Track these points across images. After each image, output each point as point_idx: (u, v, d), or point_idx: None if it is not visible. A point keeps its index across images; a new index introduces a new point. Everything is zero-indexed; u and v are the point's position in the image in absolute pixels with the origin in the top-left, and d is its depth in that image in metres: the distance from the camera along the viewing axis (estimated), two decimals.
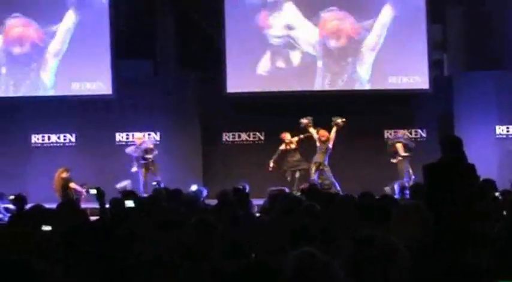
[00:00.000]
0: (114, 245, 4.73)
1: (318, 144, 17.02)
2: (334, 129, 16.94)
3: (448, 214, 6.50)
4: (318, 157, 16.99)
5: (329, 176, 16.77)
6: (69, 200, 8.87)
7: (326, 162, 16.95)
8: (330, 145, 16.92)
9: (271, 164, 17.27)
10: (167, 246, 4.73)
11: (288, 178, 17.16)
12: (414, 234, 4.45)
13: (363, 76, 18.46)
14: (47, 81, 18.52)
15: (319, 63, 18.50)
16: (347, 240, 3.31)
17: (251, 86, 18.56)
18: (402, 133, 17.54)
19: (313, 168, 16.92)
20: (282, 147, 17.34)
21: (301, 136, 17.25)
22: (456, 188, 6.97)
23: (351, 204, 5.83)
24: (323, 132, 16.99)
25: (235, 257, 4.62)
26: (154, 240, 5.00)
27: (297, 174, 17.14)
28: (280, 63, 18.64)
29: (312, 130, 17.06)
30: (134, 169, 17.18)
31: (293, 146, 17.29)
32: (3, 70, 18.52)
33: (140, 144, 17.25)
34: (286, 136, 17.30)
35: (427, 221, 4.62)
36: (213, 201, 10.63)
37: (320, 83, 18.56)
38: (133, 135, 18.26)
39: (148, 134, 18.23)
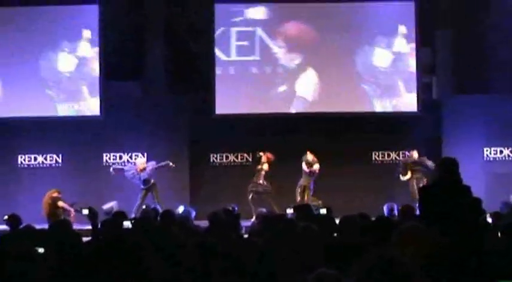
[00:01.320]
0: (114, 266, 4.62)
1: (304, 167, 17.06)
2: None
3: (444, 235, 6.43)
4: (303, 180, 17.02)
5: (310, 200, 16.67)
6: (62, 221, 8.70)
7: (311, 186, 16.96)
8: (315, 169, 16.97)
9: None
10: (169, 269, 4.63)
11: (249, 197, 17.13)
12: (417, 256, 4.40)
13: (351, 98, 18.45)
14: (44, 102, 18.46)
15: (299, 86, 18.57)
16: (359, 261, 3.23)
17: (239, 107, 18.54)
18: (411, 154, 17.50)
19: (298, 191, 16.90)
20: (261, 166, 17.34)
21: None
22: (452, 210, 6.94)
23: (352, 225, 5.76)
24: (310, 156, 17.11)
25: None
26: (155, 263, 4.89)
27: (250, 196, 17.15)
28: (267, 86, 18.66)
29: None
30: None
31: (265, 167, 17.27)
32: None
33: (141, 171, 17.04)
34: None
35: (431, 242, 4.57)
36: (201, 222, 10.60)
37: (307, 105, 18.56)
38: (130, 158, 18.24)
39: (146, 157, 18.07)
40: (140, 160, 17.49)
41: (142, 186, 16.97)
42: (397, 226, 5.38)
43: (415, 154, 17.40)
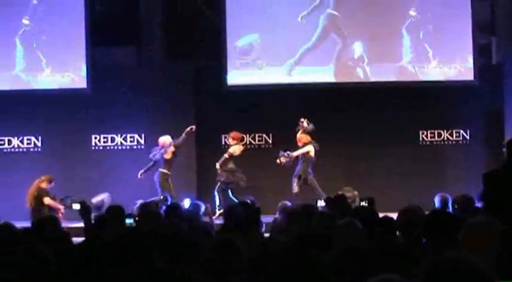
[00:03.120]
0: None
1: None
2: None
3: None
4: (299, 169, 16.98)
5: (317, 190, 16.60)
6: (48, 217, 8.61)
7: (310, 173, 16.91)
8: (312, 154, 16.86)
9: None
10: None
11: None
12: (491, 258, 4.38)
13: (394, 64, 18.33)
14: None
15: (339, 46, 18.45)
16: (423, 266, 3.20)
17: (256, 77, 18.49)
18: None
19: (296, 182, 16.84)
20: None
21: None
22: None
23: (412, 221, 5.72)
24: (302, 136, 16.96)
25: None
26: (166, 268, 4.86)
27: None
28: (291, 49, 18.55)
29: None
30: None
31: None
32: None
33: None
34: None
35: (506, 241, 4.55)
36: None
37: (338, 72, 18.46)
38: (124, 140, 18.32)
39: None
40: (164, 138, 17.51)
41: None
42: (460, 222, 5.34)
43: None
